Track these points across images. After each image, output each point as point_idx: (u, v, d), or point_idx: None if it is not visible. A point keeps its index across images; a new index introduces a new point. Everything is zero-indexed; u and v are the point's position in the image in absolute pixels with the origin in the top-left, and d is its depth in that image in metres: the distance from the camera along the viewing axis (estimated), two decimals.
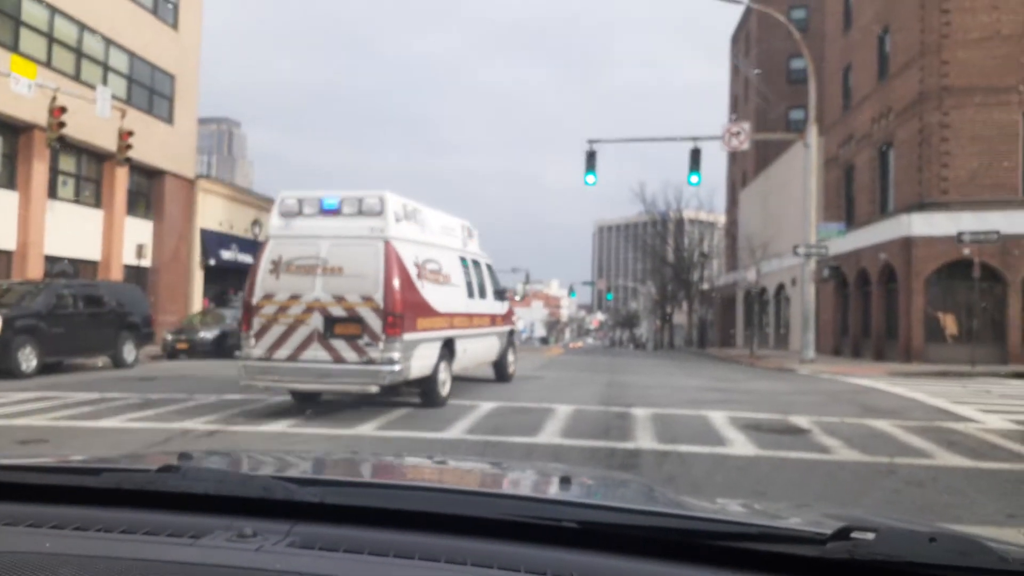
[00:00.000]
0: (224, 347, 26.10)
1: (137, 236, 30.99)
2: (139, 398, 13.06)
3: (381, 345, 11.00)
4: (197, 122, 35.41)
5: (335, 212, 11.55)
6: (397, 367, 11.01)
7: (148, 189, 32.20)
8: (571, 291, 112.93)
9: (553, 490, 2.02)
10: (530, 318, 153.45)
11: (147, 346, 23.32)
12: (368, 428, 9.96)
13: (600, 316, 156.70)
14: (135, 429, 9.83)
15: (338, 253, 11.33)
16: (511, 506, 1.53)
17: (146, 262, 31.33)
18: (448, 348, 12.95)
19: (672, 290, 67.20)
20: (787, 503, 3.89)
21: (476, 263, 15.25)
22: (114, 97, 25.01)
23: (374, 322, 11.06)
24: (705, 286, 62.29)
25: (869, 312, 30.60)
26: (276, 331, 11.30)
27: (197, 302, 34.02)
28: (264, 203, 40.27)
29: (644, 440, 9.30)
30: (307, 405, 12.39)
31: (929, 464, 8.12)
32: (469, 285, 14.44)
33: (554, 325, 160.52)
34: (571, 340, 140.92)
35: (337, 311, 11.16)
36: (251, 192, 40.64)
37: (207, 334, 26.13)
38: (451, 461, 2.51)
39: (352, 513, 1.50)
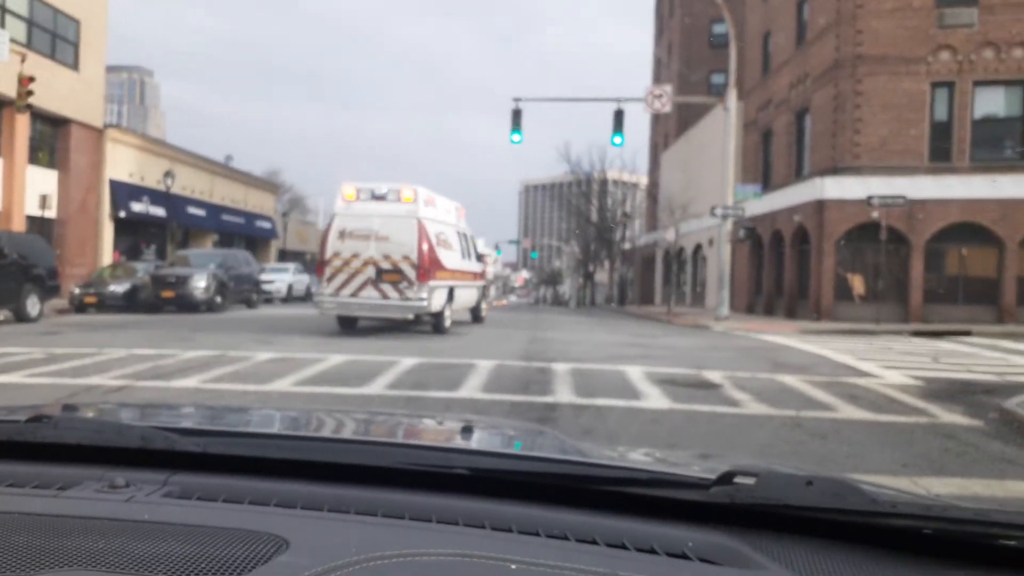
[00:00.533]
0: (136, 301, 25.31)
1: (41, 186, 29.61)
2: (43, 353, 12.58)
3: (415, 288, 16.40)
4: (105, 70, 33.84)
5: (382, 198, 16.68)
6: (424, 303, 16.48)
7: (52, 138, 30.74)
8: (497, 249, 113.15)
9: (449, 439, 1.98)
10: None
11: (53, 300, 22.45)
12: (284, 384, 9.81)
13: (525, 274, 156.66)
14: (37, 385, 9.46)
15: (386, 226, 16.46)
16: (400, 454, 1.50)
17: (51, 213, 30.00)
18: (450, 294, 18.22)
19: (595, 249, 67.39)
20: (691, 452, 3.94)
21: (465, 235, 20.18)
22: (13, 41, 23.68)
23: (410, 272, 16.38)
24: (627, 245, 62.84)
25: (782, 272, 31.17)
26: (341, 277, 16.60)
27: (107, 255, 32.84)
28: (178, 154, 38.92)
29: (563, 394, 9.40)
30: (350, 329, 17.67)
31: (832, 417, 8.42)
32: (462, 250, 19.46)
33: None
34: (495, 298, 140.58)
35: (385, 265, 16.44)
36: (164, 143, 39.23)
37: (117, 288, 25.27)
38: (353, 413, 2.45)
39: (237, 463, 1.44)
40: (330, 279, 16.63)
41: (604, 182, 65.73)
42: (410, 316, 16.74)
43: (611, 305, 57.40)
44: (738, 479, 1.33)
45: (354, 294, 16.51)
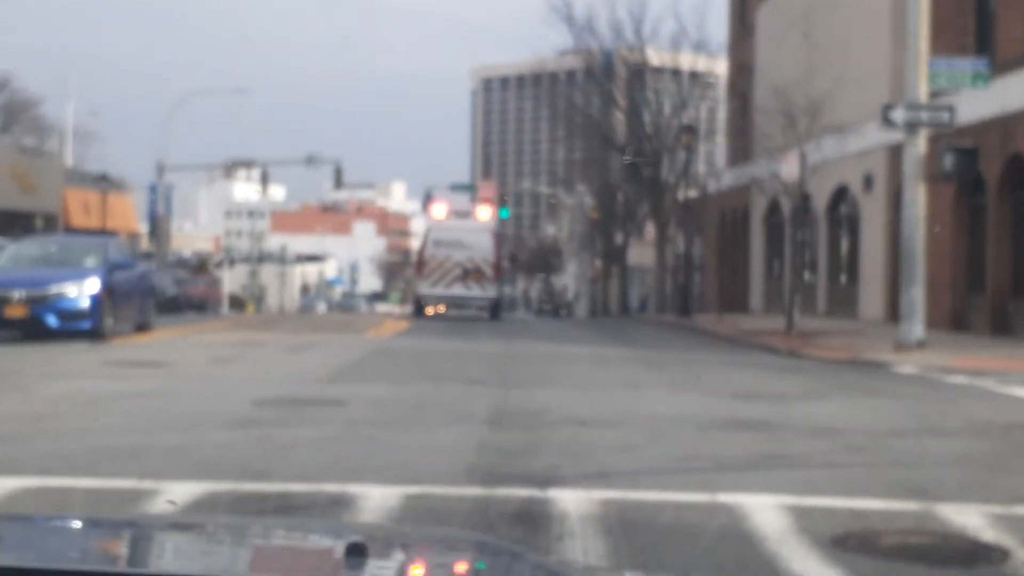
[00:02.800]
0: None
1: None
2: None
3: (491, 283, 26.16)
4: None
5: (464, 215, 27.56)
6: (495, 294, 26.69)
7: None
8: (502, 209, 47.43)
9: (321, 568, 1.57)
10: (350, 253, 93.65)
11: None
12: None
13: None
14: None
15: (468, 237, 26.23)
16: None
17: None
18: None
19: (627, 200, 40.50)
20: None
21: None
22: None
23: (488, 272, 26.00)
24: (690, 192, 32.93)
25: None
26: (436, 275, 26.01)
27: None
28: None
29: None
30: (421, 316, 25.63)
31: None
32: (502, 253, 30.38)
33: (398, 268, 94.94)
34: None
35: (470, 266, 25.80)
36: None
37: None
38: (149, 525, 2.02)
39: None
40: (427, 276, 25.87)
41: (641, 66, 38.34)
42: (485, 305, 25.88)
43: (662, 313, 32.74)
44: None
45: (448, 286, 25.63)
